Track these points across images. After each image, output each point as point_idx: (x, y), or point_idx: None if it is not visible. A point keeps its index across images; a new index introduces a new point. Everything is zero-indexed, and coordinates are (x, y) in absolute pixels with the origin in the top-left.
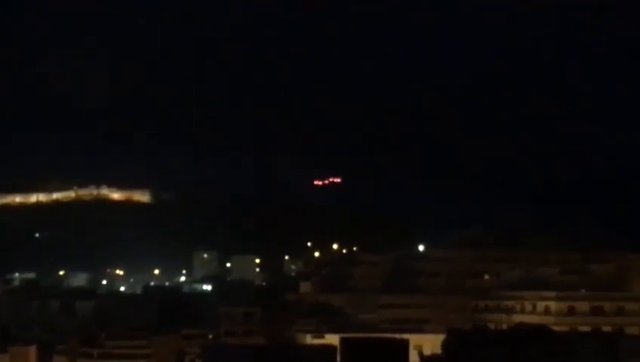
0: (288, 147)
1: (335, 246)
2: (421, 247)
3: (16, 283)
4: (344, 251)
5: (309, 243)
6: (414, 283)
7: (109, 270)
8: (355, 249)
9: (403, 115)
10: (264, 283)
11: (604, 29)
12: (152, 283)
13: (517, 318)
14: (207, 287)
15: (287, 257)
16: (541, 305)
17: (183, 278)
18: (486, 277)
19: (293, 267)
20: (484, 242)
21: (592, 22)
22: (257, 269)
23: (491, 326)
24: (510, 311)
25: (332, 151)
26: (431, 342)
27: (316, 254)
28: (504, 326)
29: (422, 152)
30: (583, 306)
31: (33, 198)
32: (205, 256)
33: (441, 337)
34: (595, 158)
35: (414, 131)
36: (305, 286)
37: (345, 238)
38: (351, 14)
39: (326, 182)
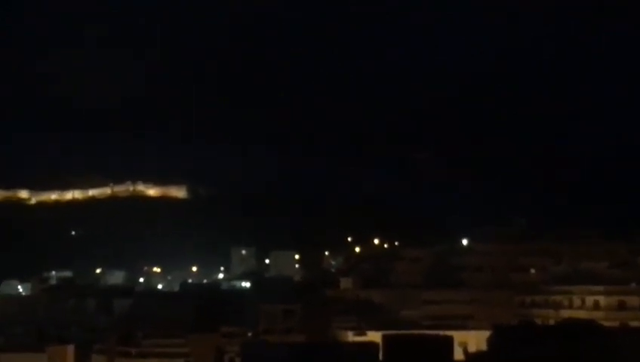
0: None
1: (376, 241)
2: (464, 241)
3: (53, 281)
4: (385, 246)
5: (349, 239)
6: (457, 278)
7: (145, 268)
8: (396, 244)
9: (436, 106)
10: (304, 280)
11: (604, 29)
12: (190, 281)
13: (565, 313)
14: (246, 284)
15: (326, 252)
16: (590, 300)
17: (221, 275)
18: (532, 271)
19: (333, 262)
20: (529, 235)
21: (592, 22)
22: (297, 265)
23: (538, 321)
24: (558, 306)
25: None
26: (476, 339)
27: (357, 249)
28: (552, 322)
29: (461, 147)
30: (634, 300)
31: (69, 195)
32: (243, 252)
33: (486, 333)
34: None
35: (452, 126)
36: (345, 282)
37: (386, 233)
38: (351, 14)
39: None
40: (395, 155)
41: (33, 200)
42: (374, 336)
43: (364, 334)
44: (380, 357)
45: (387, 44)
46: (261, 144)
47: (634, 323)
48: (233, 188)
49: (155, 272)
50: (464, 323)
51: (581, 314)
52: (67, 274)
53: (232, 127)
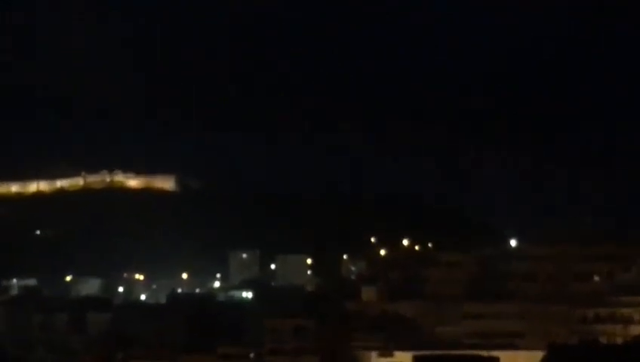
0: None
1: (405, 243)
2: (513, 243)
3: (14, 292)
4: (417, 249)
5: (372, 239)
6: (505, 288)
7: (126, 274)
8: (430, 246)
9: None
10: (317, 289)
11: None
12: (180, 290)
13: (635, 330)
14: (247, 295)
15: (345, 256)
16: None
17: (217, 284)
18: (596, 279)
19: (353, 268)
20: (593, 236)
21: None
22: (309, 271)
23: (603, 339)
24: (627, 321)
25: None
26: (527, 360)
27: (382, 252)
28: (619, 340)
29: (511, 135)
30: None
31: (33, 187)
32: (244, 256)
33: (539, 354)
34: None
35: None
36: (368, 293)
37: (418, 233)
38: (351, 14)
39: None
40: (429, 145)
41: None
42: (404, 358)
43: (391, 355)
44: None
45: (387, 44)
46: (268, 131)
47: None
48: (232, 180)
49: (138, 280)
50: (513, 341)
51: None
52: (31, 282)
53: (229, 112)
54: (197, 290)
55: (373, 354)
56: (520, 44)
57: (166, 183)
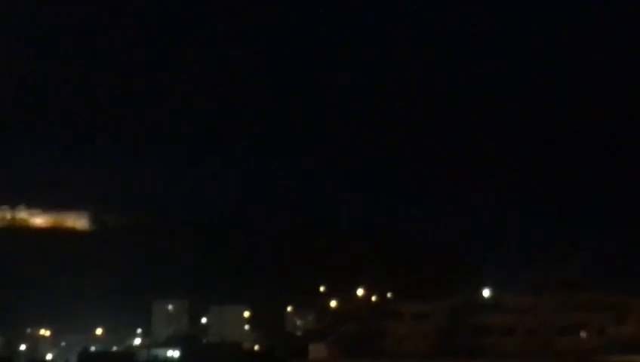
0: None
1: (361, 292)
2: (487, 292)
3: None
4: (374, 298)
5: (321, 288)
6: (480, 345)
7: (29, 330)
8: (390, 295)
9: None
10: (257, 346)
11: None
12: (93, 349)
13: None
14: (174, 353)
15: (289, 308)
16: None
17: (138, 340)
18: (582, 335)
19: (299, 322)
20: (582, 282)
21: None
22: (247, 326)
23: None
24: None
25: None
26: None
27: (333, 303)
28: None
29: (491, 153)
30: None
31: None
32: (170, 307)
33: None
34: None
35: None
36: (317, 351)
37: (375, 279)
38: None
39: None
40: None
41: None
42: None
43: None
44: None
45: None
46: (199, 154)
47: None
48: (156, 216)
49: (44, 336)
50: None
51: None
52: None
53: (160, 134)
54: (114, 348)
55: None
56: (488, 89)
57: (78, 221)
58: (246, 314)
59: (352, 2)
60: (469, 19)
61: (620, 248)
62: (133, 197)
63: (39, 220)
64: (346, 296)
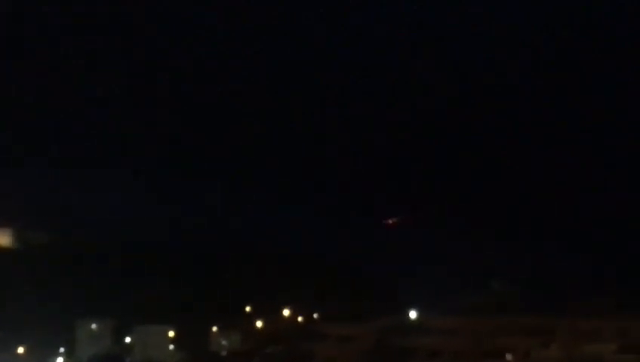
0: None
1: (287, 313)
2: (413, 314)
3: None
4: (300, 319)
5: (247, 308)
6: None
7: None
8: (316, 316)
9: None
10: None
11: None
12: None
13: None
14: None
15: (214, 328)
16: None
17: (60, 360)
18: (508, 358)
19: (224, 343)
20: (508, 305)
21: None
22: (171, 346)
23: None
24: None
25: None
26: None
27: (258, 324)
28: None
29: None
30: None
31: None
32: (94, 326)
33: None
34: None
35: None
36: None
37: (301, 300)
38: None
39: None
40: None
41: None
42: None
43: None
44: None
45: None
46: (126, 176)
47: None
48: (81, 235)
49: None
50: None
51: None
52: None
53: (90, 146)
54: None
55: None
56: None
57: (1, 238)
58: (171, 333)
59: (352, 2)
60: (468, 20)
61: (544, 272)
62: (59, 216)
63: None
64: (272, 317)
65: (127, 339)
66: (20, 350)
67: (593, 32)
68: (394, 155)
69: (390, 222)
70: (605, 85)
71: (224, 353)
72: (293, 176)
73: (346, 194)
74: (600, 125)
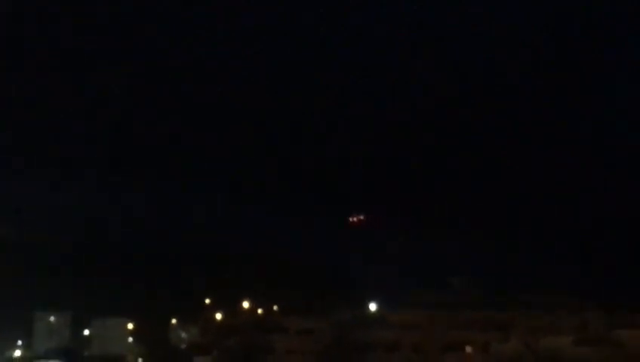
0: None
1: (246, 305)
2: (373, 307)
3: None
4: (260, 312)
5: (207, 301)
6: (364, 360)
7: None
8: (275, 309)
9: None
10: (141, 360)
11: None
12: None
13: None
14: None
15: (174, 321)
16: None
17: (18, 352)
18: (468, 350)
19: (183, 335)
20: (466, 300)
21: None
22: (130, 338)
23: None
24: None
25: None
26: None
27: (218, 316)
28: None
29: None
30: None
31: None
32: (52, 319)
33: None
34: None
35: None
36: None
37: (260, 293)
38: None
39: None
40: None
41: None
42: None
43: None
44: None
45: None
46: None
47: None
48: (38, 227)
49: None
50: None
51: None
52: None
53: (50, 143)
54: None
55: None
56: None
57: None
58: (130, 326)
59: (352, 2)
60: (468, 20)
61: (502, 267)
62: (17, 210)
63: None
64: (232, 310)
65: (86, 332)
66: None
67: (593, 32)
68: (366, 155)
69: (354, 220)
70: (605, 85)
71: (183, 345)
72: (258, 175)
73: (310, 193)
74: (580, 123)
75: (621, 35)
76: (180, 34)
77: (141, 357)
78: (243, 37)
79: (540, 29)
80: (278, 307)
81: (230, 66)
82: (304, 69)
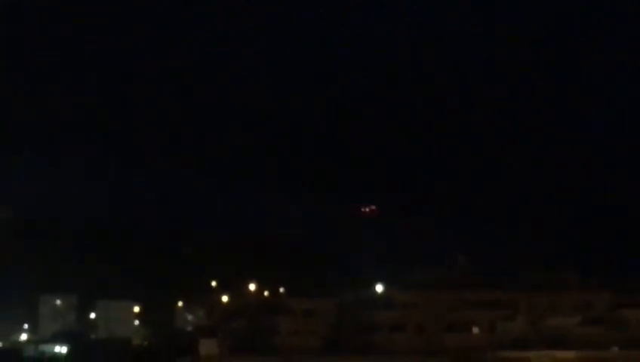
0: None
1: (252, 288)
2: (379, 288)
3: None
4: (266, 294)
5: (213, 283)
6: (369, 341)
7: None
8: (281, 291)
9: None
10: (147, 343)
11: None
12: None
13: None
14: (62, 349)
15: (180, 303)
16: None
17: (24, 336)
18: (475, 330)
19: (189, 318)
20: (472, 280)
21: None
22: (136, 321)
23: None
24: None
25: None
26: None
27: (224, 299)
28: None
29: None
30: None
31: None
32: (58, 302)
33: None
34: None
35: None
36: (208, 346)
37: (266, 276)
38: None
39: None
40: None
41: None
42: None
43: None
44: None
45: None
46: (100, 154)
47: None
48: (43, 211)
49: None
50: None
51: None
52: None
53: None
54: None
55: None
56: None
57: None
58: (135, 309)
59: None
60: (468, 20)
61: (507, 247)
62: (22, 193)
63: None
64: (238, 292)
65: (92, 315)
66: None
67: (593, 32)
68: (375, 148)
69: (367, 210)
70: (605, 85)
71: (190, 328)
72: (269, 161)
73: (319, 181)
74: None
75: (621, 35)
76: (180, 34)
77: (147, 339)
78: (243, 37)
79: (540, 29)
80: (284, 289)
81: (230, 66)
82: (304, 69)
